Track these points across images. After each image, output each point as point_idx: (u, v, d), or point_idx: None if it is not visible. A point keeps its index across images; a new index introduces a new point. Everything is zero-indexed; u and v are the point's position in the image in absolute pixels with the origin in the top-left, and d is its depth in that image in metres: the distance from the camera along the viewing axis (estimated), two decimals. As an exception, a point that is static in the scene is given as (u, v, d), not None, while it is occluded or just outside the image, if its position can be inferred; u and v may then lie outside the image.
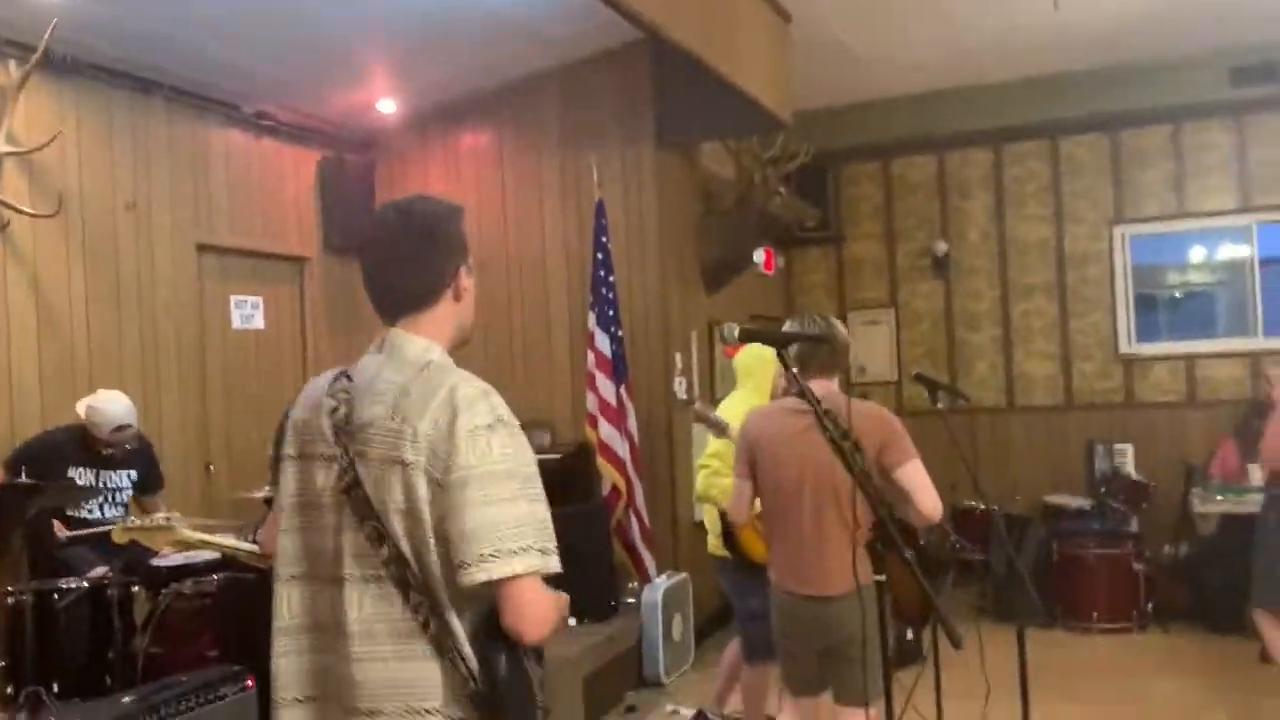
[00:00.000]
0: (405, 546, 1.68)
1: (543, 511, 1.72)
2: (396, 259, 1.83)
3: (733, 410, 4.54)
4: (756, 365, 4.60)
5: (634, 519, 6.02)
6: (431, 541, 1.67)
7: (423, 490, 1.67)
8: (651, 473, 6.35)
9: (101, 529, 4.30)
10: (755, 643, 4.43)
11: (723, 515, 4.34)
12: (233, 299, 6.15)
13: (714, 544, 4.54)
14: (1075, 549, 6.65)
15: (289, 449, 1.84)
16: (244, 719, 3.26)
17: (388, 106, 6.71)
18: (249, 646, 3.42)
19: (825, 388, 3.30)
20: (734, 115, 6.23)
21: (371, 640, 1.70)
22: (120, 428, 4.52)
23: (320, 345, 6.68)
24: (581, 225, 6.54)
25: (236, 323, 6.17)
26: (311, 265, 6.66)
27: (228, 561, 3.88)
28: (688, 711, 5.05)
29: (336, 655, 1.73)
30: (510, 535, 1.64)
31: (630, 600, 5.95)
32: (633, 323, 6.46)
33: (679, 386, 6.58)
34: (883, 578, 2.46)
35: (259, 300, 6.33)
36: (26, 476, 4.10)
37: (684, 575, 6.04)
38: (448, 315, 1.86)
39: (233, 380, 6.05)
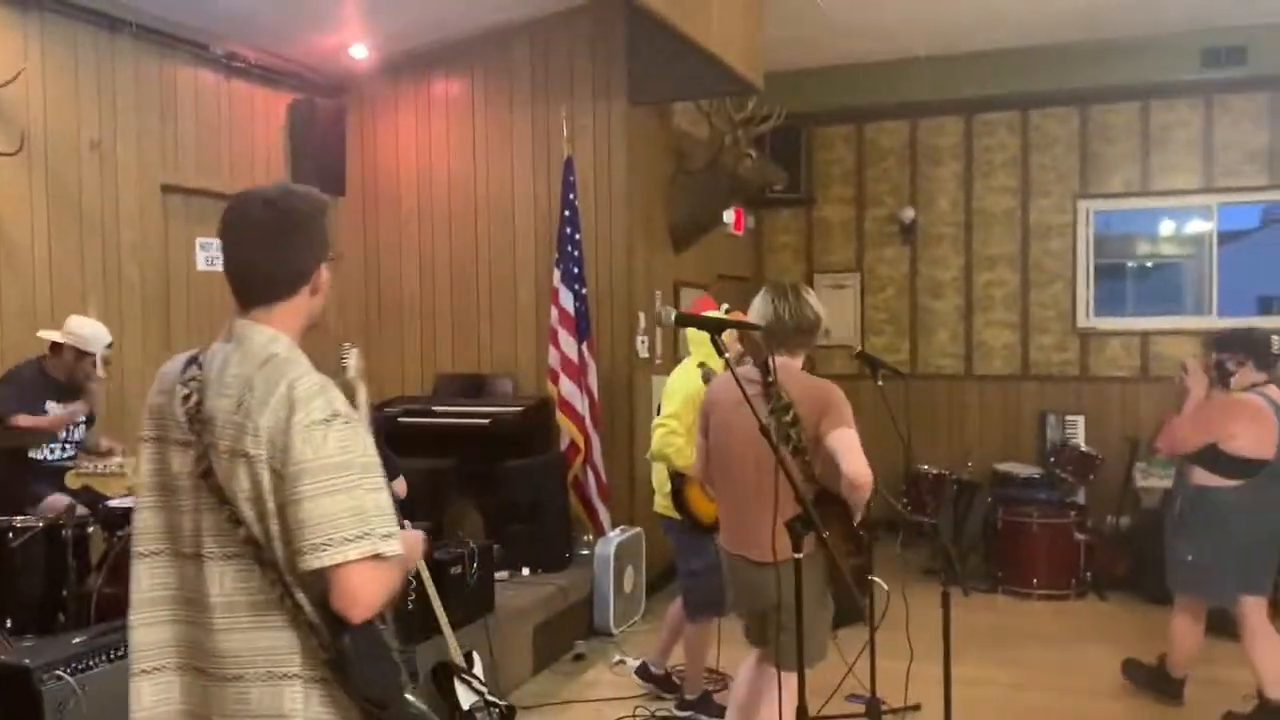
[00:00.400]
0: (256, 530, 1.78)
1: (380, 499, 1.80)
2: (259, 251, 1.89)
3: (685, 376, 4.64)
4: (705, 335, 4.68)
5: (590, 474, 6.14)
6: (275, 528, 1.77)
7: (266, 481, 1.76)
8: (611, 429, 6.46)
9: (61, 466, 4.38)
10: (697, 600, 4.58)
11: (673, 476, 4.47)
12: (199, 240, 6.15)
13: (661, 503, 4.66)
14: (1020, 516, 6.82)
15: (146, 430, 1.93)
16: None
17: (360, 51, 6.66)
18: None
19: (786, 363, 3.40)
20: (706, 76, 6.24)
21: (232, 611, 1.81)
22: (110, 344, 4.63)
23: (286, 289, 6.69)
24: (551, 180, 6.56)
25: (201, 264, 6.17)
26: (279, 209, 6.64)
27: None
28: (634, 662, 5.21)
29: (200, 627, 1.84)
30: (345, 524, 1.73)
31: (584, 553, 6.09)
32: (598, 280, 6.52)
33: (641, 345, 6.66)
34: (799, 555, 2.57)
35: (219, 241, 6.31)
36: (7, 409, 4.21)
37: (638, 530, 6.17)
38: (301, 307, 1.93)
39: (197, 321, 6.06)
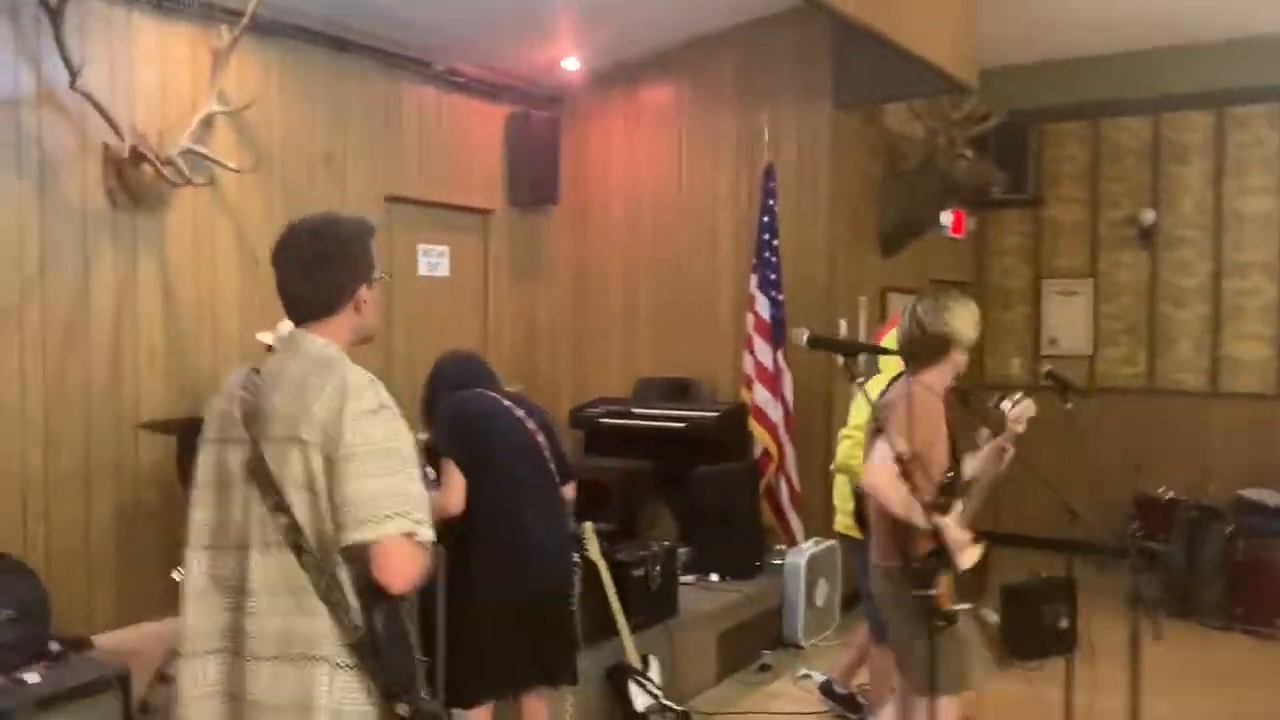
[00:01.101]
0: (300, 515, 1.95)
1: (417, 489, 1.99)
2: (303, 275, 2.11)
3: (874, 384, 4.50)
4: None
5: (784, 483, 6.07)
6: (326, 508, 1.94)
7: (317, 465, 1.95)
8: (807, 439, 6.36)
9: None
10: (880, 624, 4.44)
11: (856, 492, 4.34)
12: (420, 248, 6.55)
13: (843, 522, 4.55)
14: (1263, 549, 6.20)
15: (208, 433, 2.12)
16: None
17: (572, 64, 6.88)
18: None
19: (918, 382, 3.32)
20: (914, 77, 6.03)
21: (273, 595, 1.98)
22: None
23: (501, 293, 7.01)
24: (754, 186, 6.54)
25: (423, 269, 6.56)
26: (496, 217, 6.97)
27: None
28: (819, 677, 5.11)
29: (242, 612, 2.00)
30: (385, 504, 1.91)
31: (776, 562, 6.03)
32: (798, 286, 6.43)
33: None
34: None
35: (445, 249, 6.70)
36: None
37: (832, 543, 6.03)
38: (347, 323, 2.13)
39: (417, 325, 6.46)
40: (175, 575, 4.22)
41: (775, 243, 6.14)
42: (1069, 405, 3.60)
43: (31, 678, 2.71)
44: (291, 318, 2.16)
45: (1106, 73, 7.81)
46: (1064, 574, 4.78)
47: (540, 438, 3.52)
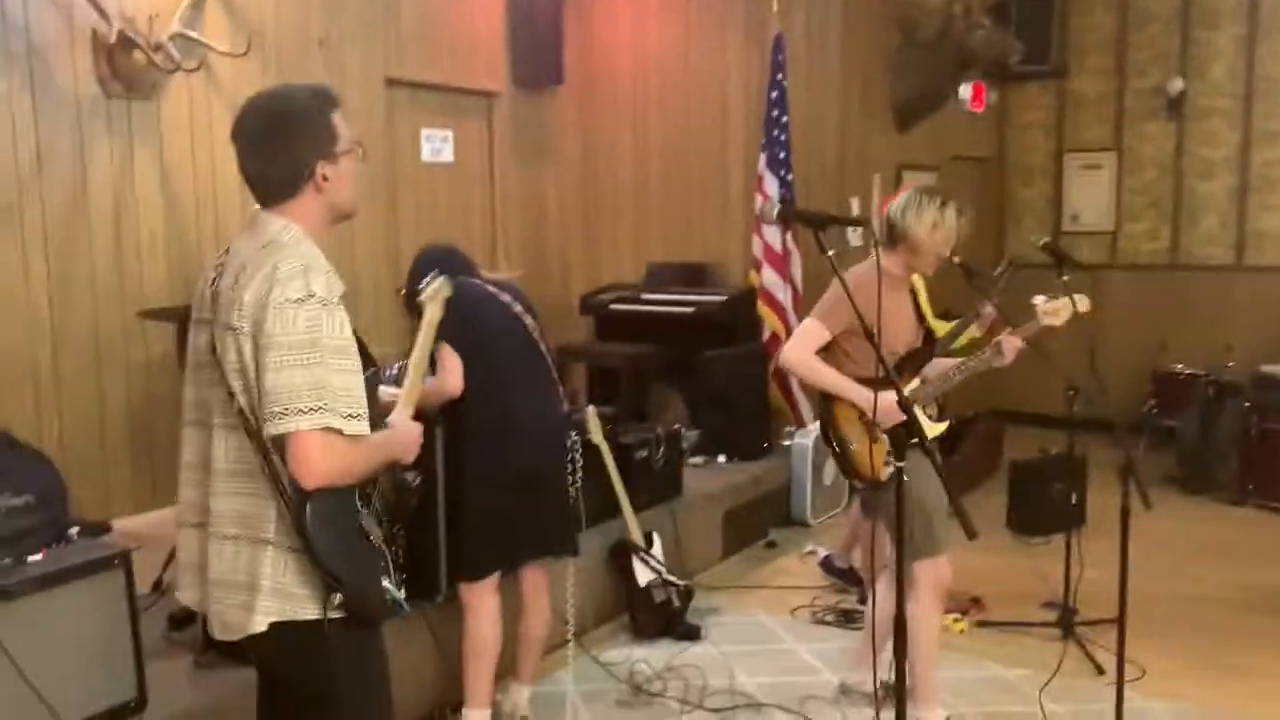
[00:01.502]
0: (242, 401, 1.95)
1: (349, 381, 1.93)
2: (256, 152, 2.05)
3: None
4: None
5: (792, 364, 6.04)
6: (258, 396, 1.91)
7: (248, 353, 1.92)
8: (818, 319, 6.30)
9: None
10: (867, 498, 4.47)
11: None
12: (423, 132, 6.44)
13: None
14: (1278, 423, 6.14)
15: (192, 313, 2.13)
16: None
17: (574, -65, 6.64)
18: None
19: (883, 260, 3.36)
20: (929, -60, 5.78)
21: (231, 478, 2.01)
22: None
23: (508, 179, 6.92)
24: (764, 59, 6.34)
25: (426, 155, 6.47)
26: (500, 100, 6.82)
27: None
28: (823, 552, 5.18)
29: (206, 490, 2.04)
30: (303, 396, 1.86)
31: (787, 444, 6.06)
32: (808, 164, 6.31)
33: (853, 234, 6.42)
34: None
35: (448, 134, 6.60)
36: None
37: (841, 422, 6.04)
38: (311, 204, 2.05)
39: (423, 212, 6.40)
40: (185, 461, 4.31)
41: (785, 119, 5.99)
42: (1065, 279, 3.52)
43: (34, 558, 2.77)
44: (256, 200, 2.09)
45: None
46: (1072, 450, 4.77)
47: (529, 319, 3.51)
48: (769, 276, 6.00)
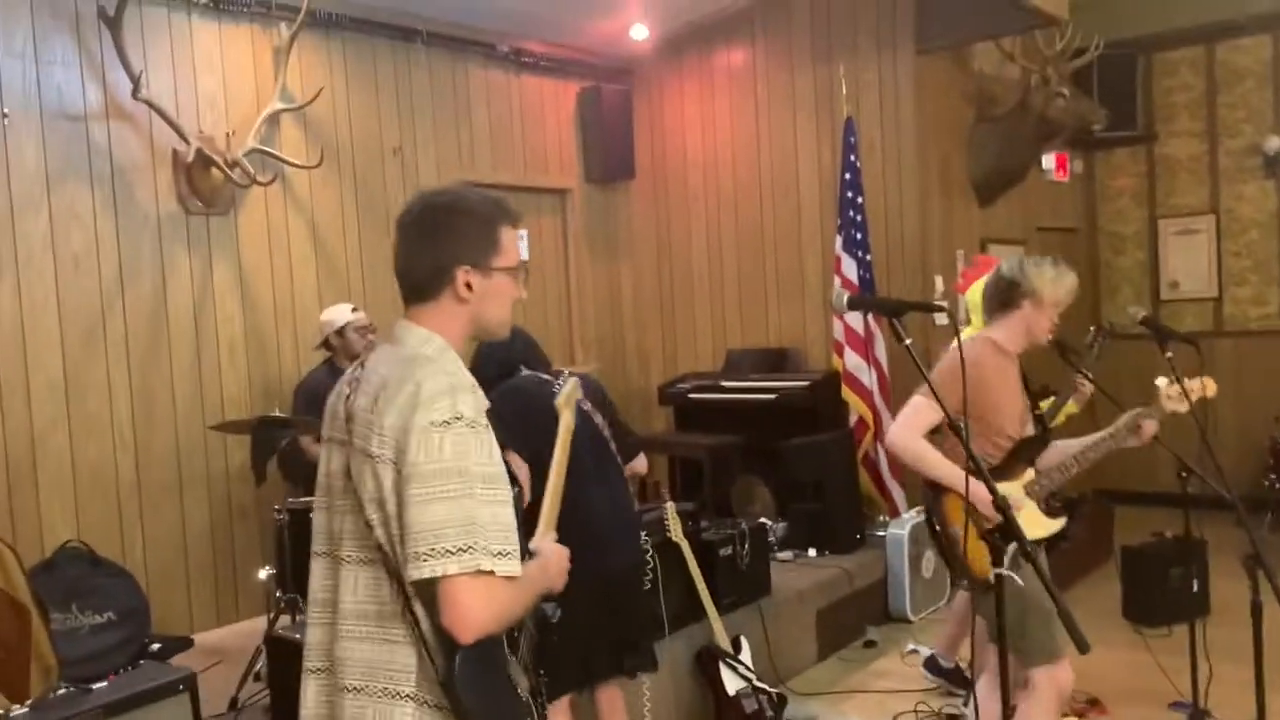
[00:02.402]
0: (381, 535, 1.72)
1: (499, 513, 1.69)
2: (404, 246, 1.87)
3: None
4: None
5: (882, 451, 5.81)
6: (396, 532, 1.69)
7: (388, 483, 1.70)
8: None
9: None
10: (974, 595, 4.19)
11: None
12: (497, 232, 6.48)
13: (938, 486, 4.30)
14: None
15: (323, 431, 1.92)
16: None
17: (640, 32, 6.70)
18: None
19: (988, 335, 3.26)
20: (1003, 14, 5.67)
21: (362, 620, 1.76)
22: (354, 308, 4.89)
23: (583, 272, 6.91)
24: (835, 144, 6.26)
25: (501, 254, 6.49)
26: (573, 195, 6.86)
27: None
28: (925, 651, 4.87)
29: (334, 631, 1.80)
30: (450, 535, 1.63)
31: (880, 534, 5.78)
32: (887, 244, 6.16)
33: (944, 316, 6.20)
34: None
35: (523, 232, 6.59)
36: (307, 411, 4.64)
37: (937, 510, 5.76)
38: (452, 312, 1.85)
39: (498, 309, 6.40)
40: (261, 575, 4.27)
41: (860, 200, 5.87)
42: (1169, 355, 3.27)
43: (100, 685, 2.70)
44: (402, 299, 1.89)
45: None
46: (1189, 533, 4.42)
47: (597, 417, 3.38)
48: (852, 360, 5.81)
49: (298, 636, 3.22)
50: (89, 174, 4.61)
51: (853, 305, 2.22)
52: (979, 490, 2.73)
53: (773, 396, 6.12)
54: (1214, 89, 7.74)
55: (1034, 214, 7.38)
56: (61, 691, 2.71)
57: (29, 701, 2.68)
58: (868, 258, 5.85)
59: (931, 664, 4.70)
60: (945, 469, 3.05)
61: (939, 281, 6.23)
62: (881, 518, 5.88)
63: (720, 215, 6.91)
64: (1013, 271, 3.17)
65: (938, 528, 3.13)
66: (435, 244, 1.84)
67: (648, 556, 3.83)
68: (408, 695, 1.72)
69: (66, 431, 4.53)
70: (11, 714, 2.56)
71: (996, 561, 2.22)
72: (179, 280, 4.91)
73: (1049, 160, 7.49)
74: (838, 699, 4.67)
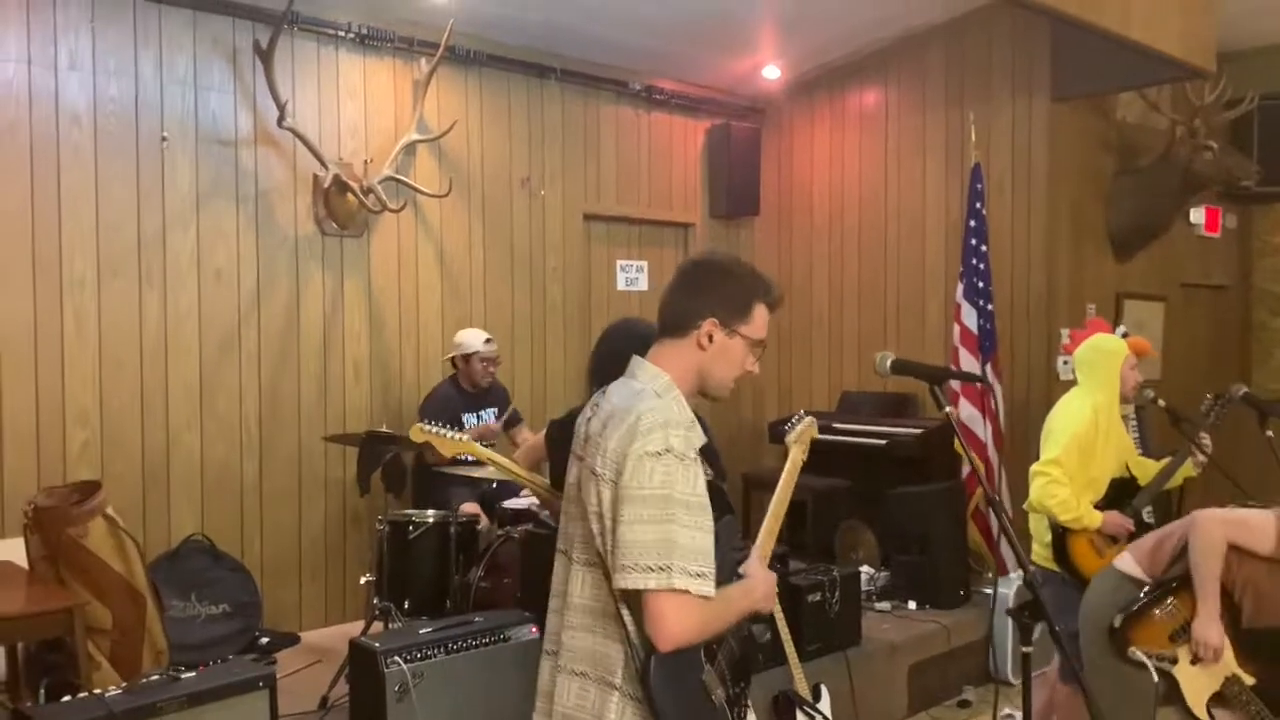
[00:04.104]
0: (599, 543, 1.95)
1: (697, 539, 1.87)
2: (672, 285, 2.10)
3: (1070, 408, 4.12)
4: (1099, 360, 4.12)
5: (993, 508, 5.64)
6: (610, 543, 1.92)
7: (607, 499, 1.92)
8: (1024, 458, 5.88)
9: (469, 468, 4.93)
10: (1071, 662, 4.03)
11: (1054, 527, 4.00)
12: (619, 263, 6.63)
13: (1039, 552, 4.17)
14: None
15: (573, 447, 2.14)
16: (524, 662, 3.60)
17: (773, 72, 6.76)
18: (539, 595, 3.78)
19: None
20: (1145, 64, 5.46)
21: (585, 615, 2.00)
22: (488, 339, 5.10)
23: (703, 307, 6.96)
24: (963, 190, 6.15)
25: (621, 284, 6.64)
26: (696, 230, 6.94)
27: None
28: (1020, 717, 4.70)
29: (563, 620, 2.05)
30: (650, 554, 1.84)
31: (987, 591, 5.62)
32: (1012, 294, 6.02)
33: (1064, 367, 6.00)
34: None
35: (644, 264, 6.75)
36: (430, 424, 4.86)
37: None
38: (688, 356, 2.03)
39: (617, 338, 6.52)
40: (362, 580, 4.47)
41: (984, 249, 5.75)
42: (1270, 433, 3.11)
43: (188, 674, 2.90)
44: (657, 330, 2.12)
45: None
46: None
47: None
48: (966, 410, 5.67)
49: (377, 645, 3.37)
50: (235, 195, 4.95)
51: (895, 369, 2.21)
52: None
53: (883, 442, 6.03)
54: (1387, 144, 7.25)
55: (1177, 269, 7.06)
56: (155, 676, 2.91)
57: (124, 683, 2.89)
58: (989, 307, 5.72)
59: (1024, 732, 4.53)
60: (1211, 586, 3.06)
61: (1064, 334, 6.02)
62: (989, 574, 5.71)
63: (844, 255, 6.87)
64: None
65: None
66: (695, 293, 2.06)
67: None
68: (616, 687, 1.95)
69: (199, 432, 4.86)
70: (106, 693, 2.77)
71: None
72: (312, 297, 5.21)
73: (1198, 214, 7.16)
74: (923, 759, 4.56)
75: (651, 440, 1.87)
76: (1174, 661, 3.12)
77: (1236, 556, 3.09)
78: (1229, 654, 3.13)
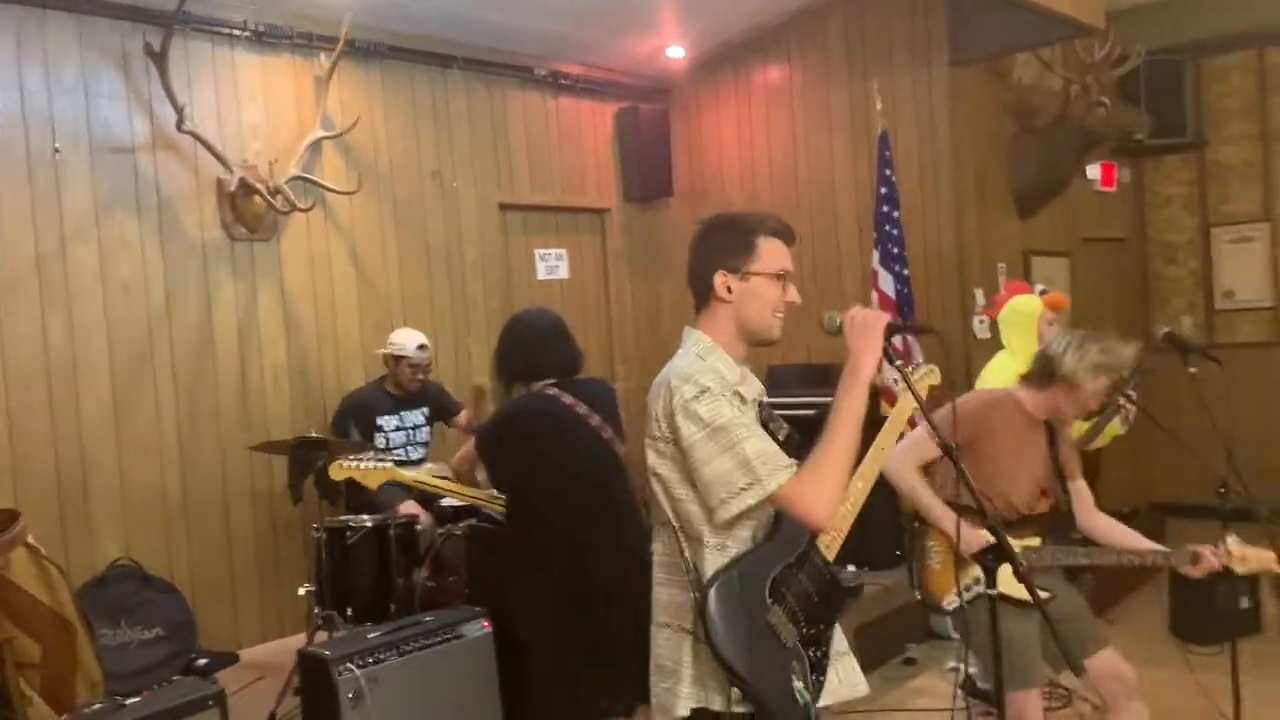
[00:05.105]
0: (664, 503, 2.10)
1: (757, 445, 2.00)
2: (689, 262, 2.20)
3: (995, 370, 4.22)
4: (1017, 320, 4.23)
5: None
6: (683, 493, 2.06)
7: (669, 455, 2.05)
8: (947, 416, 6.02)
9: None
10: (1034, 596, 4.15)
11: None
12: (537, 252, 6.57)
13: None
14: None
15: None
16: (479, 658, 3.56)
17: (677, 52, 6.76)
18: (488, 590, 3.75)
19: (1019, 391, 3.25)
20: (1034, 25, 5.62)
21: (662, 570, 2.17)
22: (422, 345, 4.96)
23: (623, 290, 6.96)
24: (872, 158, 6.25)
25: (541, 274, 6.58)
26: (612, 215, 6.92)
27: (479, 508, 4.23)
28: (965, 669, 4.81)
29: (654, 579, 2.19)
30: (737, 477, 1.97)
31: (921, 549, 5.72)
32: (925, 258, 6.13)
33: (980, 325, 6.15)
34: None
35: (563, 252, 6.70)
36: (353, 419, 4.75)
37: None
38: (720, 315, 2.15)
39: (539, 328, 6.47)
40: (300, 591, 4.36)
41: (896, 214, 5.84)
42: (1193, 370, 3.22)
43: (133, 700, 2.79)
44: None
45: (1269, -7, 7.12)
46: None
47: (608, 434, 3.33)
48: (889, 374, 5.76)
49: (327, 653, 3.30)
50: (136, 204, 4.78)
51: (842, 328, 2.23)
52: (967, 533, 2.85)
53: (813, 413, 6.08)
54: (1265, 92, 7.58)
55: (1079, 225, 7.28)
56: (97, 706, 2.80)
57: (64, 716, 2.77)
58: (905, 272, 5.82)
59: (971, 687, 4.64)
60: (937, 508, 3.14)
61: (979, 295, 6.17)
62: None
63: (758, 231, 6.91)
64: (1053, 351, 3.10)
65: (915, 542, 3.29)
66: (699, 255, 2.17)
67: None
68: (690, 632, 2.07)
69: (116, 452, 4.68)
70: (47, 727, 2.66)
71: (990, 583, 2.22)
72: (224, 305, 5.05)
73: (1094, 170, 7.38)
74: (875, 716, 4.63)
75: (686, 390, 2.00)
76: (977, 583, 3.11)
77: (943, 465, 3.20)
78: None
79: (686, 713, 2.06)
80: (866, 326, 2.16)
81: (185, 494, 4.89)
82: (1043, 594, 2.37)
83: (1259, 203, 7.67)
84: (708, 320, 2.15)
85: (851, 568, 2.28)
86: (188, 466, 4.90)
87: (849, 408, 2.09)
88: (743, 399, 2.11)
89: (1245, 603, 5.07)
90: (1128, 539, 3.22)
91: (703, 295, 2.15)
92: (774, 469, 1.98)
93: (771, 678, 2.00)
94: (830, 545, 2.28)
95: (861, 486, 2.48)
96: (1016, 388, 3.22)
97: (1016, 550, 2.96)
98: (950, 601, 3.16)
